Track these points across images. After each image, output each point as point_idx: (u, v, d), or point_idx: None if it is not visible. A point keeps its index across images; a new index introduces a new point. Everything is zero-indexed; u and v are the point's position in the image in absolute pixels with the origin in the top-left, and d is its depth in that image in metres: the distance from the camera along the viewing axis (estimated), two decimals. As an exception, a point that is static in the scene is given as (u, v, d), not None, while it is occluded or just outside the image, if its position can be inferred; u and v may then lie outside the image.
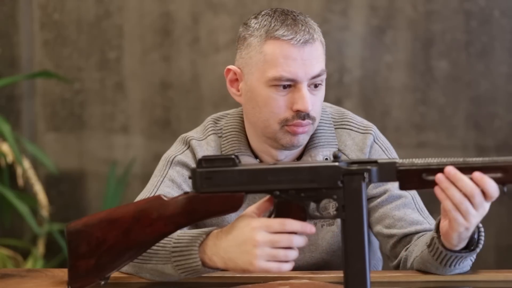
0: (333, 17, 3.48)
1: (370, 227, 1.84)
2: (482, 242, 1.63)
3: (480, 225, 1.61)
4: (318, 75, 1.73)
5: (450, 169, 1.47)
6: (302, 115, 1.72)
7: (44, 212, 3.34)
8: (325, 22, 3.47)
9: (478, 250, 1.63)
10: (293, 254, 1.53)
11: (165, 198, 1.56)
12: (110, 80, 3.56)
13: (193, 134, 1.88)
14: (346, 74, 3.49)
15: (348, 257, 1.49)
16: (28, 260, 3.37)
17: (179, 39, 3.52)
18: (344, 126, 1.86)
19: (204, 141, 1.85)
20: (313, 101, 1.73)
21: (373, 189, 1.81)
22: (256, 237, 1.51)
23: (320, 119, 1.84)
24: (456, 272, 1.68)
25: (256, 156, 1.83)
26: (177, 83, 3.54)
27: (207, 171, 1.55)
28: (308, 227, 1.52)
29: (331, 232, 1.83)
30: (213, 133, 1.86)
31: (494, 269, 1.78)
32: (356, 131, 1.85)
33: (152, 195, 1.78)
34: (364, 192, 1.49)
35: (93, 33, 3.55)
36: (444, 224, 1.57)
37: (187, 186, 1.81)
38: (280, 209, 1.54)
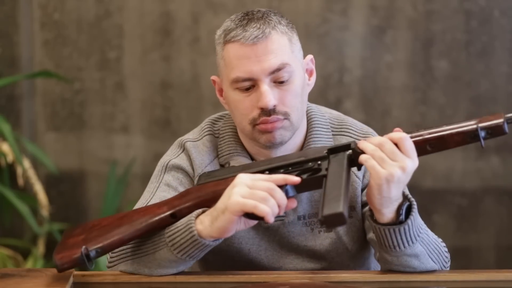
0: (333, 17, 3.48)
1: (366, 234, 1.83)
2: (413, 216, 1.63)
3: (414, 202, 1.65)
4: (278, 69, 1.71)
5: None
6: (266, 112, 1.71)
7: (44, 212, 3.34)
8: (325, 22, 3.47)
9: (410, 223, 1.63)
10: (272, 203, 1.57)
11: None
12: (110, 80, 3.56)
13: (189, 136, 1.88)
14: (346, 74, 3.49)
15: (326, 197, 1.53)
16: (28, 260, 3.37)
17: (179, 39, 3.52)
18: (343, 133, 1.84)
19: (200, 142, 1.85)
20: (281, 95, 1.72)
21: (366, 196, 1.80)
22: (237, 180, 1.60)
23: (318, 124, 1.83)
24: (412, 263, 1.67)
25: (252, 158, 1.82)
26: (177, 83, 3.54)
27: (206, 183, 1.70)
28: (291, 178, 1.59)
29: (329, 238, 1.82)
30: (210, 134, 1.86)
31: (494, 269, 1.78)
32: (356, 138, 1.83)
33: (149, 202, 1.78)
34: (346, 160, 1.60)
35: (93, 33, 3.55)
36: (367, 191, 1.62)
37: (183, 189, 1.80)
38: None
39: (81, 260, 1.62)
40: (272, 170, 1.63)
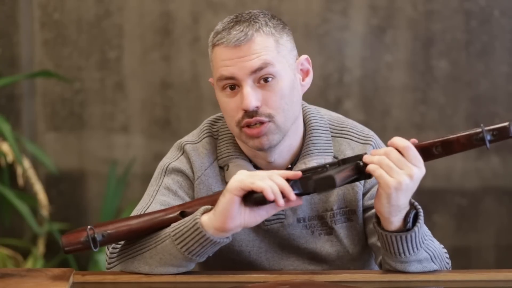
0: (333, 17, 3.48)
1: (367, 238, 1.83)
2: (420, 223, 1.65)
3: (421, 210, 1.66)
4: (260, 68, 1.70)
5: None
6: (249, 113, 1.70)
7: (44, 211, 3.34)
8: (325, 22, 3.47)
9: (416, 230, 1.65)
10: (271, 182, 1.60)
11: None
12: (110, 80, 3.56)
13: (188, 138, 1.86)
14: (346, 74, 3.49)
15: None
16: (28, 259, 3.37)
17: (179, 39, 3.52)
18: (343, 135, 1.82)
19: (199, 144, 1.83)
20: (265, 97, 1.71)
21: (368, 200, 1.79)
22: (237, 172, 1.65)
23: (316, 126, 1.81)
24: (415, 268, 1.69)
25: (250, 161, 1.81)
26: (177, 83, 3.54)
27: None
28: (292, 172, 1.63)
29: (330, 241, 1.81)
30: (209, 136, 1.84)
31: (494, 269, 1.78)
32: (356, 141, 1.82)
33: (148, 205, 1.78)
34: (355, 167, 1.65)
35: (93, 32, 3.55)
36: (375, 200, 1.64)
37: (183, 192, 1.80)
38: None
39: (86, 242, 1.64)
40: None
